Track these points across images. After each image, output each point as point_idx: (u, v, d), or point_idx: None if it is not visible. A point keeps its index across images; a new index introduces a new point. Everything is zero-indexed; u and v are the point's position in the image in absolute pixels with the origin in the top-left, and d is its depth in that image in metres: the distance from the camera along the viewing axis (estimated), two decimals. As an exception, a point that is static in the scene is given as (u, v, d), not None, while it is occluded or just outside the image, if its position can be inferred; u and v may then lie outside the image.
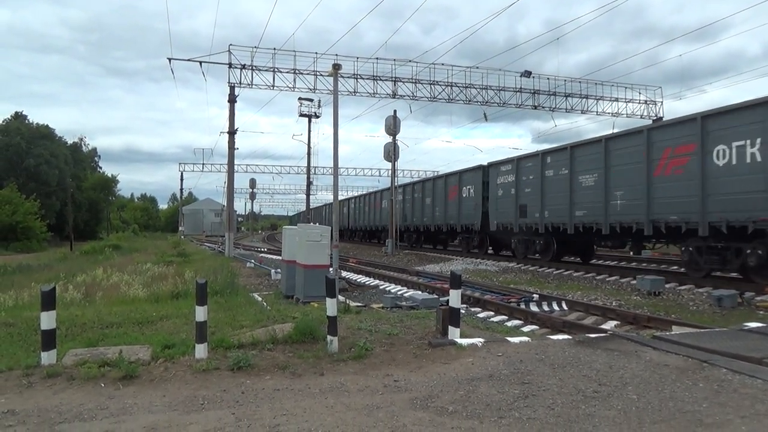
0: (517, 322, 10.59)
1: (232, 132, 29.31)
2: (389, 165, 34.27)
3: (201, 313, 5.91)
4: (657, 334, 7.59)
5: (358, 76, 29.80)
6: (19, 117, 74.37)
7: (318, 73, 28.85)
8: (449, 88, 31.36)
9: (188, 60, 28.48)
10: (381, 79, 30.18)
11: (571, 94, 33.32)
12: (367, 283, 17.76)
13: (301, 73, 28.95)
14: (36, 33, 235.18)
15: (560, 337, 7.43)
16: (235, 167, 32.32)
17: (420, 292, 13.69)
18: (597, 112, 34.46)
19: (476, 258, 24.98)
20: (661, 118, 33.75)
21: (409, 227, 33.87)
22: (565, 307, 12.07)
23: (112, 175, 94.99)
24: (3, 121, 73.27)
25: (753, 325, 7.90)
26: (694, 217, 13.80)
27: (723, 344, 6.47)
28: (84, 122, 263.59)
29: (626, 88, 34.33)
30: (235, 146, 29.81)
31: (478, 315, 11.25)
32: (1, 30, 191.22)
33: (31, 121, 74.53)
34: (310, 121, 40.07)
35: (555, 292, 13.96)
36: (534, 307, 11.97)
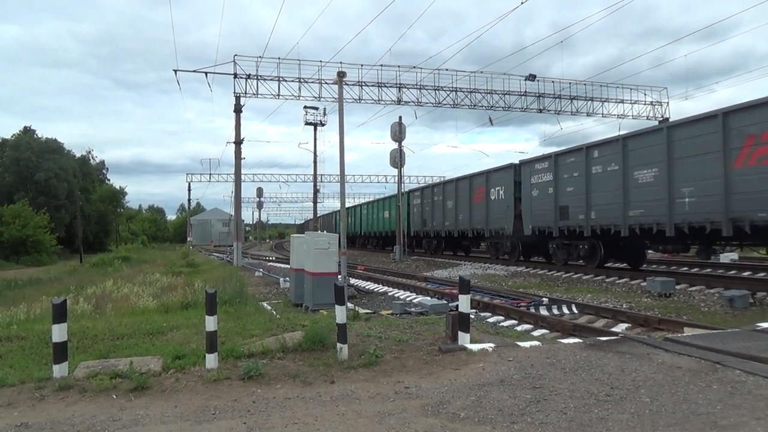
0: (527, 326, 10.54)
1: (238, 142, 29.46)
2: (396, 171, 34.37)
3: (211, 323, 5.92)
4: (668, 336, 7.54)
5: (363, 84, 29.90)
6: (28, 131, 75.12)
7: (323, 82, 29.00)
8: (454, 93, 31.41)
9: (194, 71, 28.78)
10: (386, 86, 30.28)
11: (576, 97, 33.26)
12: (376, 289, 17.76)
13: (306, 82, 29.09)
14: (47, 48, 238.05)
15: (571, 340, 7.39)
16: (243, 177, 32.46)
17: (429, 298, 13.66)
18: (603, 114, 34.39)
19: (484, 263, 24.98)
20: (667, 119, 33.60)
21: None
22: (575, 310, 12.02)
23: (120, 186, 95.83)
24: (12, 136, 74.07)
25: (766, 325, 7.82)
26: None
27: (736, 345, 6.41)
28: (94, 135, 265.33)
29: (632, 89, 34.24)
30: (242, 156, 30.00)
31: (488, 320, 11.22)
32: (13, 46, 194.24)
33: (40, 136, 75.32)
34: (315, 130, 40.21)
35: (564, 296, 13.90)
36: (544, 311, 11.91)
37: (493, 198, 24.03)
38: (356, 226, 48.52)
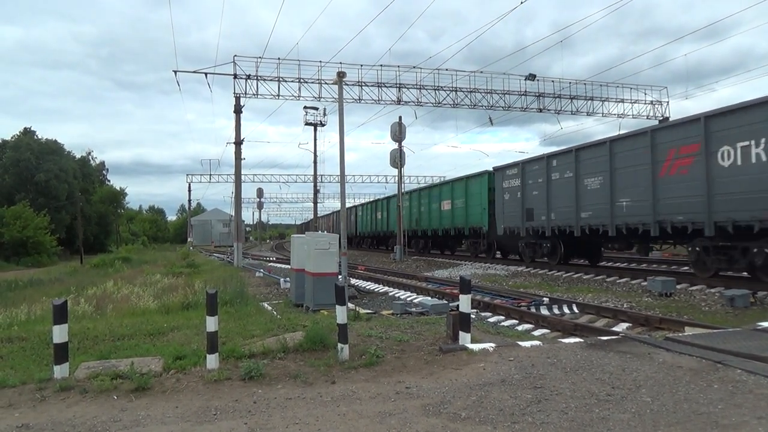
0: (527, 326, 10.54)
1: (238, 142, 29.45)
2: (396, 171, 34.36)
3: (212, 324, 5.92)
4: (669, 336, 7.55)
5: (363, 84, 29.90)
6: (28, 133, 75.14)
7: (323, 82, 29.00)
8: (454, 93, 31.40)
9: (194, 72, 28.76)
10: (385, 86, 30.27)
11: (576, 97, 33.24)
12: (377, 289, 17.75)
13: (306, 82, 29.09)
14: (48, 49, 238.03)
15: (572, 340, 7.39)
16: (243, 177, 32.45)
17: (429, 298, 13.66)
18: (603, 113, 34.38)
19: (485, 263, 24.95)
20: (667, 118, 33.63)
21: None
22: (575, 310, 12.01)
23: (120, 187, 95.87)
24: (12, 138, 74.12)
25: (767, 324, 7.82)
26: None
27: (737, 345, 6.41)
28: (94, 136, 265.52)
29: (632, 89, 34.23)
30: (243, 156, 29.98)
31: (489, 319, 11.21)
32: (14, 47, 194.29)
33: (40, 137, 75.37)
34: (315, 130, 40.26)
35: (565, 295, 13.89)
36: (544, 311, 11.91)
37: (726, 163, 12.99)
38: (384, 224, 39.77)
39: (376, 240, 44.81)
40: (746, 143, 12.62)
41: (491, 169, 24.67)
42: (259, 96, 28.83)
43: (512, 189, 22.45)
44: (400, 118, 33.18)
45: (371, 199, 48.04)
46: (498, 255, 26.44)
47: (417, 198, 34.11)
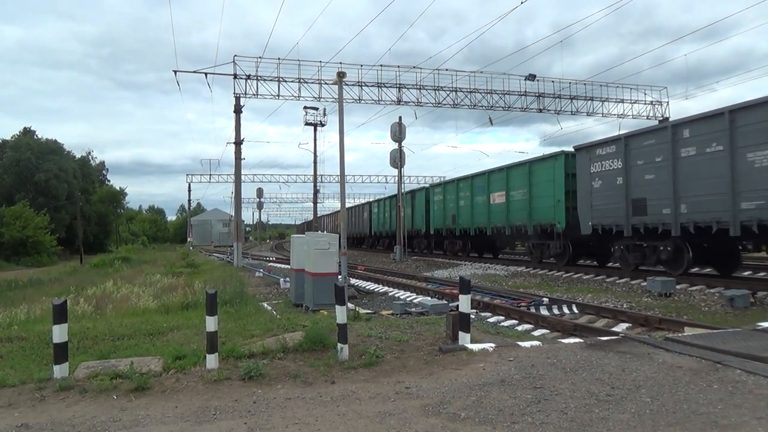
0: (527, 326, 10.54)
1: (238, 142, 29.45)
2: (396, 171, 34.35)
3: (211, 324, 5.92)
4: (669, 336, 7.55)
5: (363, 84, 29.90)
6: (28, 132, 75.16)
7: (323, 82, 29.01)
8: (454, 93, 31.40)
9: (193, 72, 28.77)
10: (385, 86, 30.27)
11: (576, 97, 33.23)
12: (376, 290, 17.74)
13: (306, 82, 29.10)
14: (48, 49, 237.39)
15: (571, 340, 7.39)
16: (243, 177, 32.41)
17: (429, 298, 13.66)
18: (603, 114, 34.37)
19: (485, 263, 24.96)
20: (667, 118, 33.62)
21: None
22: (575, 310, 12.01)
23: (120, 187, 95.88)
24: (12, 137, 74.15)
25: (766, 324, 7.82)
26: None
27: (736, 345, 6.41)
28: (94, 136, 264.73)
29: (632, 89, 34.23)
30: (242, 156, 29.97)
31: (489, 320, 11.21)
32: (14, 47, 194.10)
33: (40, 137, 75.39)
34: (315, 130, 40.22)
35: (565, 296, 13.89)
36: (544, 311, 11.91)
37: None
38: (407, 223, 33.48)
39: (395, 240, 36.58)
40: None
41: (571, 148, 18.93)
42: (259, 96, 28.84)
43: (607, 174, 16.84)
44: (400, 118, 33.20)
45: (388, 195, 41.44)
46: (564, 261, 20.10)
47: (454, 190, 27.56)
